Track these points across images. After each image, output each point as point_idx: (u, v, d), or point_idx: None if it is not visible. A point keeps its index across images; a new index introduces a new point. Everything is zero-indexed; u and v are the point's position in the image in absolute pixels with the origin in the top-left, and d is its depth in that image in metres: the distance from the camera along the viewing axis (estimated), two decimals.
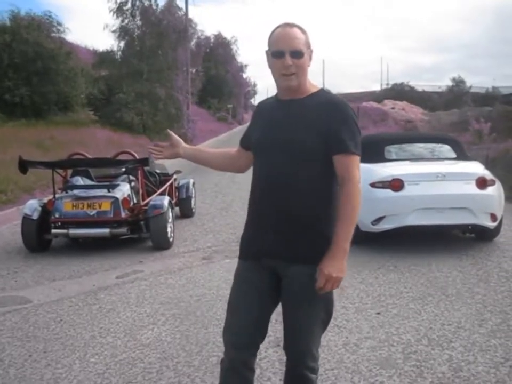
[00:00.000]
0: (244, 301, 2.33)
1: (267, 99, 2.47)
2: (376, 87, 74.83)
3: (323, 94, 2.28)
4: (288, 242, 2.22)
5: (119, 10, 28.11)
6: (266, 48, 2.29)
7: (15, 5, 34.02)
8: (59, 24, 24.24)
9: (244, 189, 12.64)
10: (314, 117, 2.19)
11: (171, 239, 6.95)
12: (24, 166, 6.82)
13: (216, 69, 48.95)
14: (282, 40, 2.20)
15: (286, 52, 2.17)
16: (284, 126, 2.23)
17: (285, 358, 3.61)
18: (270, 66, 2.26)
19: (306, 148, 2.16)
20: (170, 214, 7.01)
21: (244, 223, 2.40)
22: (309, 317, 2.27)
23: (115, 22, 28.48)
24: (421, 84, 61.05)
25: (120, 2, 28.04)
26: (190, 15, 32.26)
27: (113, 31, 28.28)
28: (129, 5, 28.31)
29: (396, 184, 6.26)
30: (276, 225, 2.23)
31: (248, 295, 2.32)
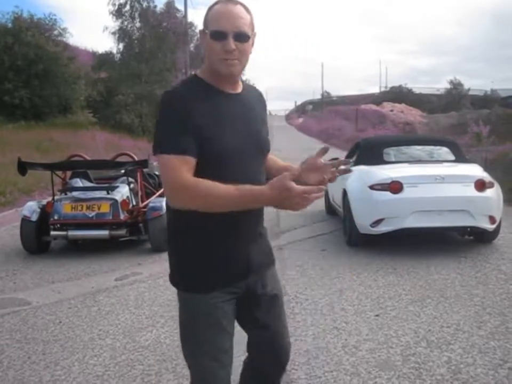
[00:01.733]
0: (227, 343, 1.99)
1: (184, 90, 1.89)
2: (374, 90, 75.01)
3: (249, 85, 2.13)
4: (263, 250, 2.09)
5: (118, 12, 28.19)
6: (201, 27, 1.94)
7: (19, 6, 34.12)
8: (63, 29, 24.38)
9: None
10: (262, 114, 2.07)
11: None
12: (23, 167, 6.83)
13: None
14: (224, 19, 1.84)
15: (229, 33, 1.83)
16: (256, 127, 2.00)
17: None
18: (207, 48, 1.89)
19: (268, 148, 2.05)
20: None
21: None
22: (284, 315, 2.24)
23: (114, 24, 28.59)
24: (419, 86, 61.22)
25: (119, 4, 28.12)
26: (189, 18, 32.38)
27: (113, 33, 28.38)
28: (128, 7, 28.39)
29: (395, 187, 6.27)
30: (255, 237, 2.03)
31: (228, 334, 1.99)
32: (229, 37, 1.83)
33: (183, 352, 2.04)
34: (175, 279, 2.00)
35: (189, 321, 1.97)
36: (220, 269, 1.93)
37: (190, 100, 1.83)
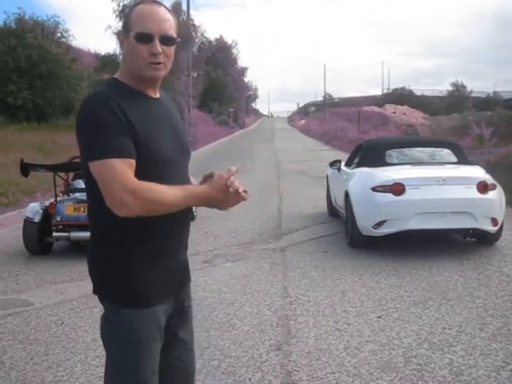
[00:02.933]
0: (157, 364, 1.89)
1: (112, 93, 1.76)
2: (376, 92, 75.09)
3: (160, 89, 2.02)
4: (187, 262, 2.09)
5: (122, 13, 28.32)
6: (121, 29, 1.86)
7: (21, 8, 34.33)
8: (65, 30, 24.51)
9: None
10: (179, 118, 2.06)
11: None
12: (25, 169, 6.84)
13: (216, 72, 49.06)
14: (151, 21, 1.76)
15: (155, 36, 1.76)
16: (180, 131, 1.97)
17: (286, 361, 3.63)
18: (131, 51, 1.79)
19: (190, 154, 2.03)
20: None
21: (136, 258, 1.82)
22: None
23: (117, 25, 28.72)
24: (421, 88, 61.32)
25: (123, 5, 28.26)
26: (192, 20, 32.58)
27: (116, 33, 28.51)
28: None
29: (397, 188, 6.26)
30: (185, 247, 2.03)
31: (158, 352, 1.90)
32: (155, 40, 1.76)
33: (118, 377, 1.86)
34: (115, 296, 1.82)
35: (134, 338, 1.81)
36: (164, 278, 1.87)
37: (121, 102, 1.73)
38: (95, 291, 1.90)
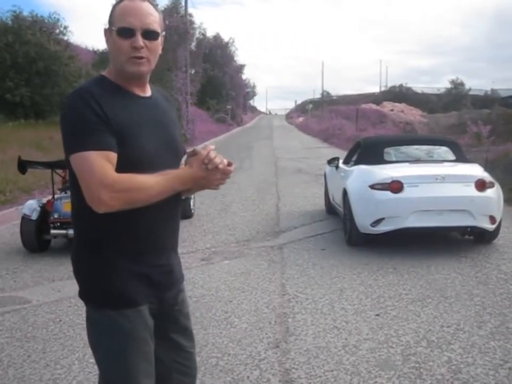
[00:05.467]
0: (151, 366, 1.88)
1: (95, 89, 1.75)
2: (374, 90, 75.14)
3: (155, 87, 1.99)
4: (179, 263, 2.02)
5: None
6: (107, 25, 1.82)
7: (18, 5, 34.21)
8: (64, 27, 24.44)
9: (244, 190, 12.47)
10: (174, 117, 2.01)
11: None
12: (23, 166, 6.82)
13: (213, 70, 49.00)
14: (132, 15, 1.75)
15: (137, 30, 1.74)
16: (170, 131, 1.92)
17: (284, 359, 3.63)
18: (113, 47, 1.78)
19: (183, 151, 1.97)
20: None
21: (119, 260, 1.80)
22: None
23: None
24: (419, 86, 61.46)
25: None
26: (191, 17, 32.59)
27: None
28: None
29: (395, 186, 6.26)
30: (174, 247, 1.97)
31: (151, 354, 1.87)
32: (137, 34, 1.75)
33: (109, 380, 1.84)
34: (100, 298, 1.82)
35: (122, 339, 1.79)
36: (146, 279, 1.83)
37: (103, 98, 1.72)
38: (80, 294, 1.93)
